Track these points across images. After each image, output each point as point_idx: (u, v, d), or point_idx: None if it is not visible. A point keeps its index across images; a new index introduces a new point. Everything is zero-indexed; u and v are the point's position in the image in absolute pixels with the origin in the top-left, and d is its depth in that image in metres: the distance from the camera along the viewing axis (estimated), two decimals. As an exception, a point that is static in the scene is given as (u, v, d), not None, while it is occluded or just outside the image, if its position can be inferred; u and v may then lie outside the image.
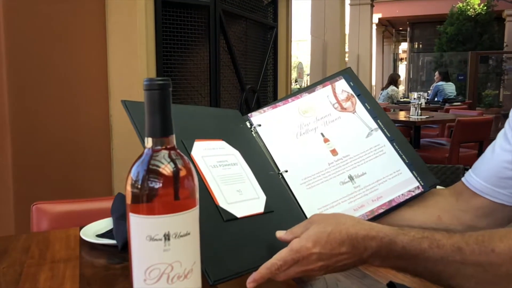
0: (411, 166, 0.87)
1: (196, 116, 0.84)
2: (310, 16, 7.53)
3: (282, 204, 0.81)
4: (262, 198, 0.78)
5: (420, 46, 15.36)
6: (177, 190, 0.50)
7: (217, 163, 0.77)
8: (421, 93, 7.08)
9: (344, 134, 0.90)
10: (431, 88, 8.07)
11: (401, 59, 20.51)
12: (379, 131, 0.90)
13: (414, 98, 5.99)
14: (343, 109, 0.93)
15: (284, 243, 0.63)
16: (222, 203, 0.72)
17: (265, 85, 3.32)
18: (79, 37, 1.92)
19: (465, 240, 0.57)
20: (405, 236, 0.59)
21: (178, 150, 0.52)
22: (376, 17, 13.78)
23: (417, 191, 0.84)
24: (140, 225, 0.49)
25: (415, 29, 15.28)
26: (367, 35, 11.58)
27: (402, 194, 0.83)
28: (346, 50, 9.50)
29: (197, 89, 2.55)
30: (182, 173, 0.51)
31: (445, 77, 7.42)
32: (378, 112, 0.93)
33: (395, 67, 18.38)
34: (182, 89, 2.44)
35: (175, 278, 0.49)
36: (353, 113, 0.92)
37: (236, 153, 0.82)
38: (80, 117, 1.90)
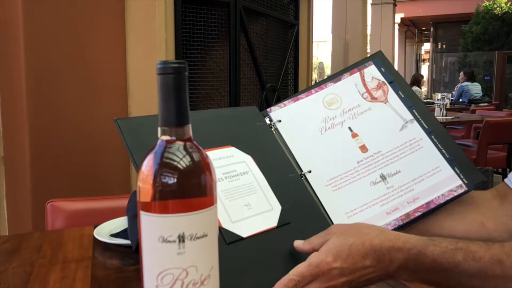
0: (452, 161, 0.77)
1: (202, 123, 0.75)
2: (331, 16, 7.42)
3: (303, 212, 0.73)
4: (277, 209, 0.70)
5: (444, 46, 15.04)
6: (193, 186, 0.45)
7: (223, 176, 0.69)
8: (445, 93, 6.88)
9: (375, 128, 0.81)
10: (455, 88, 7.85)
11: (424, 60, 20.14)
12: (415, 122, 0.80)
13: (438, 99, 5.83)
14: (374, 99, 0.84)
15: (302, 259, 0.57)
16: (225, 223, 0.64)
17: (285, 83, 3.26)
18: (98, 35, 1.90)
19: (505, 251, 0.51)
20: (436, 247, 0.53)
21: (195, 142, 0.47)
22: (398, 17, 13.55)
23: (460, 191, 0.74)
24: (152, 225, 0.44)
25: (438, 29, 14.96)
26: (389, 35, 11.38)
27: (442, 195, 0.74)
28: (368, 50, 9.34)
29: (217, 88, 2.51)
30: (199, 167, 0.45)
31: (471, 77, 7.20)
32: (413, 101, 0.83)
33: (418, 68, 18.06)
34: (201, 87, 2.41)
35: (191, 285, 0.44)
36: (385, 103, 0.83)
37: (248, 159, 0.74)
38: (99, 115, 1.88)
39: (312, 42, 3.62)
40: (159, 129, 0.46)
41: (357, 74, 0.87)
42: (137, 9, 1.99)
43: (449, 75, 12.30)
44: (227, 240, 0.63)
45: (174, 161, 0.44)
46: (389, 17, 11.45)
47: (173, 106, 0.45)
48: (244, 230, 0.65)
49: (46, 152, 1.73)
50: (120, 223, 0.96)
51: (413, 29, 17.75)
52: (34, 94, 1.69)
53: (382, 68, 0.86)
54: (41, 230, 1.12)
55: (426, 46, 19.83)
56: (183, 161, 0.45)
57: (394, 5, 11.53)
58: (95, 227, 0.93)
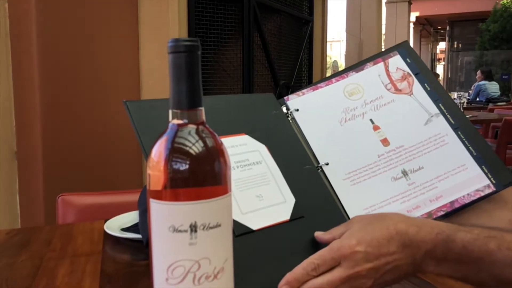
0: (480, 159, 0.72)
1: (214, 109, 0.70)
2: (346, 14, 7.36)
3: (318, 206, 0.69)
4: (290, 201, 0.66)
5: (460, 45, 14.82)
6: (207, 172, 0.42)
7: (235, 165, 0.66)
8: (461, 93, 6.74)
9: (398, 121, 0.77)
10: (472, 87, 7.71)
11: (439, 59, 19.89)
12: (441, 117, 0.76)
13: (454, 98, 5.72)
14: (398, 90, 0.79)
15: None
16: (235, 214, 0.60)
17: (299, 81, 3.22)
18: (110, 31, 1.89)
19: None
20: (467, 233, 0.49)
21: (207, 126, 0.44)
22: (413, 16, 13.39)
23: (487, 191, 0.70)
24: (162, 214, 0.41)
25: (454, 28, 14.75)
26: (404, 34, 11.24)
27: (468, 194, 0.70)
28: (382, 49, 9.24)
29: (230, 85, 2.48)
30: (213, 153, 0.42)
31: (488, 76, 7.06)
32: (440, 94, 0.78)
33: (433, 68, 17.82)
34: (214, 84, 2.39)
35: (203, 278, 0.41)
36: (410, 95, 0.79)
37: (262, 148, 0.70)
38: (111, 110, 1.86)
39: (327, 38, 3.57)
40: (170, 112, 0.43)
41: (381, 64, 0.83)
42: (150, 5, 1.98)
43: (465, 74, 12.12)
44: (236, 232, 0.59)
45: (186, 146, 0.42)
46: (404, 15, 11.31)
47: (185, 87, 0.42)
48: (255, 222, 0.61)
49: (58, 147, 1.72)
50: (131, 217, 0.94)
51: (428, 28, 17.54)
52: (47, 90, 1.69)
53: (407, 59, 0.82)
54: (53, 224, 1.11)
55: (442, 46, 19.60)
56: (195, 146, 0.42)
57: (409, 3, 11.39)
58: (105, 221, 0.91)
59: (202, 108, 0.43)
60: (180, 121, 0.42)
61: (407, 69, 0.81)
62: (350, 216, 0.70)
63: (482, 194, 0.70)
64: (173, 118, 0.43)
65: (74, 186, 1.69)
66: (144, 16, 1.97)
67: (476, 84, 7.26)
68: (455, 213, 0.70)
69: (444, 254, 0.49)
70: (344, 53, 8.00)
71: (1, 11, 1.62)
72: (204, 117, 0.44)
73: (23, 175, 1.71)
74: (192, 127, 0.42)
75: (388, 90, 0.80)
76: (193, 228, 0.40)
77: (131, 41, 1.95)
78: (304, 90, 0.82)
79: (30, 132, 1.68)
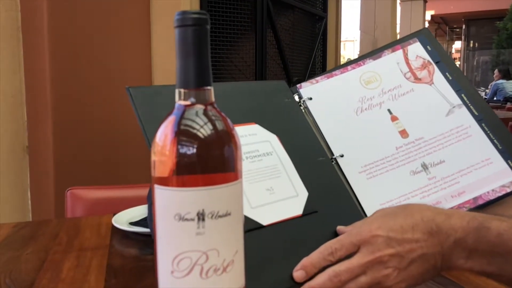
0: (505, 153, 0.68)
1: (222, 96, 0.63)
2: (360, 12, 7.28)
3: (332, 200, 0.65)
4: (303, 195, 0.62)
5: (476, 44, 14.60)
6: (216, 156, 0.39)
7: (244, 156, 0.62)
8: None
9: (417, 111, 0.72)
10: (489, 86, 7.58)
11: (454, 59, 19.64)
12: (464, 108, 0.72)
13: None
14: (417, 79, 0.75)
15: None
16: (244, 208, 0.55)
17: (312, 77, 3.18)
18: (122, 26, 1.88)
19: None
20: (502, 222, 0.45)
21: (216, 106, 0.40)
22: (428, 14, 13.21)
23: None
24: (168, 200, 0.38)
25: (470, 26, 14.53)
26: (418, 33, 11.10)
27: (493, 190, 0.65)
28: (397, 48, 9.09)
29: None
30: (223, 136, 0.39)
31: (506, 75, 6.92)
32: (462, 84, 0.74)
33: (448, 67, 17.58)
34: (226, 80, 2.36)
35: (211, 271, 0.38)
36: (430, 84, 0.75)
37: (273, 138, 0.67)
38: (122, 105, 1.84)
39: (341, 35, 3.52)
40: (176, 92, 0.40)
41: (400, 52, 0.78)
42: (162, 1, 1.96)
43: (481, 74, 11.94)
44: (245, 228, 0.56)
45: (194, 128, 0.38)
46: (419, 14, 11.15)
47: (192, 64, 0.38)
48: (265, 217, 0.57)
49: (69, 142, 1.71)
50: (140, 211, 0.92)
51: (444, 27, 17.31)
52: (58, 85, 1.68)
53: (428, 46, 0.77)
54: (62, 218, 1.09)
55: (457, 45, 19.35)
56: (204, 128, 0.38)
57: (425, 1, 11.24)
58: (114, 215, 0.89)
59: (211, 88, 0.40)
60: (187, 102, 0.39)
61: (428, 57, 0.77)
62: (367, 212, 0.66)
63: (508, 190, 0.65)
64: (179, 99, 0.40)
65: (85, 180, 1.68)
66: (156, 12, 1.95)
67: (493, 83, 7.13)
68: (478, 210, 0.65)
69: (476, 244, 0.45)
70: (358, 53, 7.91)
71: (13, 6, 1.62)
72: (213, 98, 0.40)
73: (34, 170, 1.71)
74: (200, 108, 0.39)
75: (407, 79, 0.76)
76: (201, 217, 0.37)
77: (142, 37, 1.93)
78: (318, 78, 0.78)
79: (42, 126, 1.68)
